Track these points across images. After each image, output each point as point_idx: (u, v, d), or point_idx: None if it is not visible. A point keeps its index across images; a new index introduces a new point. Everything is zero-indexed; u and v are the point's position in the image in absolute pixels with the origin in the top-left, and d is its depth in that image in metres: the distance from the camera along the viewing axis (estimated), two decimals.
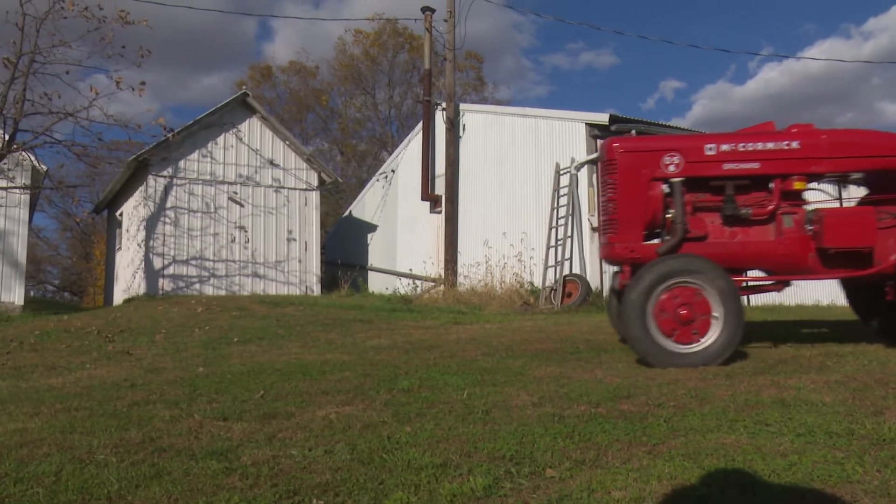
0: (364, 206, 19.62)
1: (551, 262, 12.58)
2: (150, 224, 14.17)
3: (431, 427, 3.26)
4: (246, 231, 15.07)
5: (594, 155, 10.62)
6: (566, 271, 12.29)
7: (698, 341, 4.71)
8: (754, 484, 2.36)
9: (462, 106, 16.14)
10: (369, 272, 18.25)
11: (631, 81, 66.19)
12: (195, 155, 14.76)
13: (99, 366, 6.37)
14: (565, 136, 13.11)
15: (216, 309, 10.67)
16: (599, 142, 5.14)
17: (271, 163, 15.56)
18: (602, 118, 12.34)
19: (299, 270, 15.53)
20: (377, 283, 17.61)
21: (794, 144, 5.14)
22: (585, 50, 63.52)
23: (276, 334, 8.16)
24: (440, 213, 15.62)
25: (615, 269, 5.50)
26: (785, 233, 5.12)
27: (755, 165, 5.14)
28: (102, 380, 5.36)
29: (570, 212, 12.53)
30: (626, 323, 4.75)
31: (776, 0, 65.46)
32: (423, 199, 16.12)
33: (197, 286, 14.41)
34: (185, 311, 10.47)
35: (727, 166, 5.15)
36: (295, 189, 15.75)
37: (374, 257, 18.58)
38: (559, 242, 12.59)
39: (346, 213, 21.29)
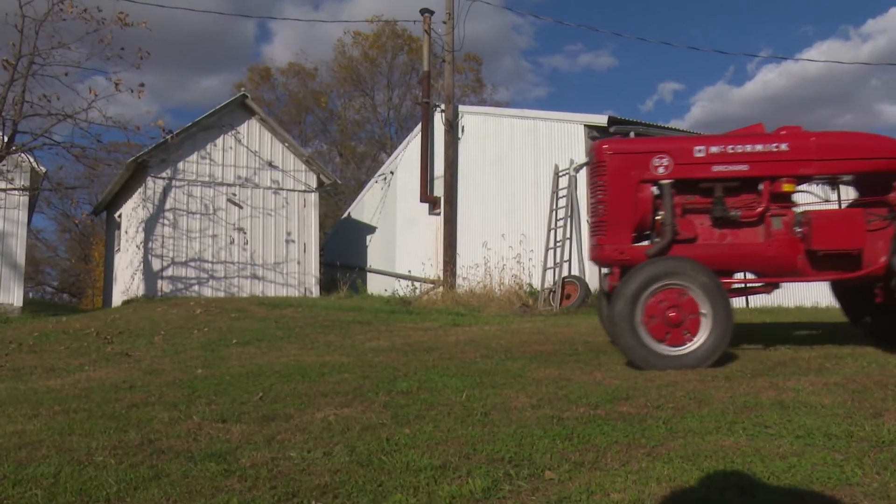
0: (363, 208, 19.63)
1: (550, 263, 12.59)
2: (149, 226, 14.16)
3: (430, 429, 3.26)
4: (245, 233, 15.06)
5: None
6: (565, 273, 12.29)
7: (691, 341, 4.72)
8: (753, 486, 2.36)
9: (461, 108, 16.15)
10: (368, 274, 18.25)
11: (630, 83, 66.31)
12: (194, 156, 14.76)
13: (98, 367, 6.36)
14: (564, 138, 13.12)
15: (215, 310, 10.66)
16: (589, 143, 5.17)
17: (270, 164, 15.56)
18: (601, 120, 12.36)
19: (298, 272, 15.52)
20: (376, 285, 17.60)
21: (783, 146, 5.16)
22: (584, 51, 63.64)
23: (275, 336, 8.15)
24: (439, 214, 15.62)
25: (605, 270, 5.50)
26: (774, 235, 5.13)
27: (744, 167, 5.15)
28: (101, 381, 5.35)
29: (569, 213, 12.54)
30: (618, 335, 4.76)
31: (775, 2, 65.64)
32: (421, 200, 16.13)
33: (196, 288, 14.39)
34: (184, 313, 10.46)
35: (716, 168, 5.16)
36: (294, 191, 15.75)
37: (373, 259, 18.58)
38: (558, 244, 12.59)
39: (345, 214, 21.29)
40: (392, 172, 18.29)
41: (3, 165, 12.61)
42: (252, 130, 15.52)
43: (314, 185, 16.00)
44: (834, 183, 5.52)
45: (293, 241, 15.58)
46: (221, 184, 14.98)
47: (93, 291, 32.34)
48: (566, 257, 12.44)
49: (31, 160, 13.60)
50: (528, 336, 7.42)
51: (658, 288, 4.70)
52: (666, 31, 67.82)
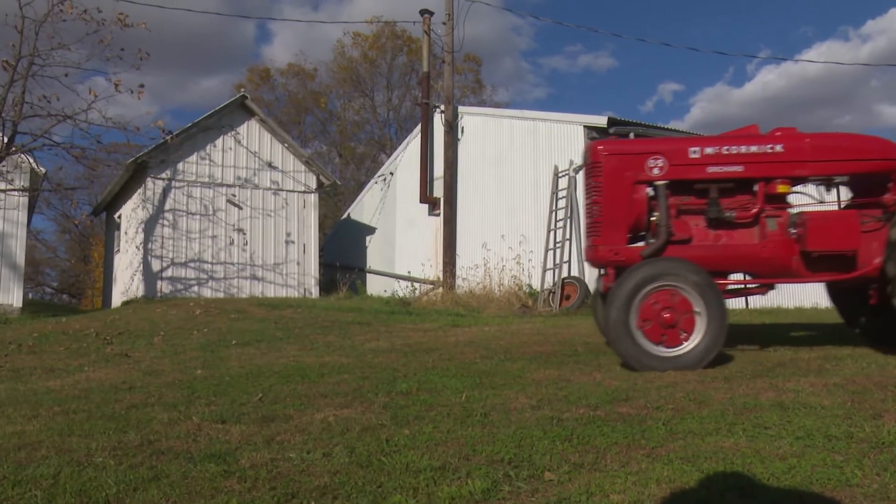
0: (362, 209, 19.63)
1: (550, 264, 12.59)
2: (149, 226, 14.16)
3: (430, 430, 3.26)
4: (244, 233, 15.06)
5: None
6: (565, 274, 12.29)
7: (688, 340, 4.72)
8: (753, 487, 2.36)
9: (460, 108, 16.16)
10: (368, 274, 18.25)
11: (629, 84, 66.34)
12: (194, 157, 14.76)
13: (97, 368, 6.36)
14: (564, 139, 13.13)
15: (214, 311, 10.66)
16: (584, 144, 5.18)
17: (270, 165, 15.56)
18: (600, 121, 12.36)
19: (298, 273, 15.52)
20: (376, 286, 17.60)
21: (778, 148, 5.16)
22: (584, 52, 63.68)
23: (275, 337, 8.15)
24: (438, 215, 15.63)
25: (601, 271, 5.50)
26: (769, 236, 5.13)
27: (739, 168, 5.16)
28: (101, 382, 5.35)
29: (569, 214, 12.55)
30: (614, 341, 4.77)
31: (774, 3, 65.68)
32: (421, 201, 16.13)
33: (195, 288, 14.39)
34: (184, 314, 10.46)
35: (711, 169, 5.17)
36: (293, 191, 15.75)
37: (373, 260, 18.58)
38: (558, 245, 12.60)
39: (345, 215, 21.29)
40: (391, 173, 18.30)
41: (3, 166, 12.61)
42: (252, 131, 15.52)
43: (314, 185, 16.01)
44: (829, 184, 5.52)
45: (293, 242, 15.58)
46: (221, 184, 14.98)
47: (92, 292, 32.34)
48: (566, 258, 12.44)
49: (31, 161, 13.61)
50: (527, 337, 7.42)
51: (650, 291, 4.70)
52: (665, 31, 67.92)
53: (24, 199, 13.89)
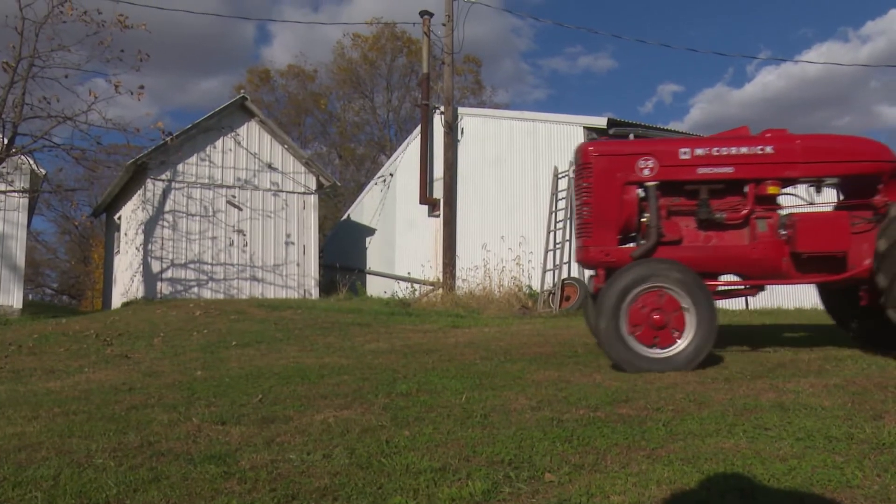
0: (362, 210, 19.63)
1: (549, 265, 12.58)
2: (149, 228, 14.16)
3: (430, 431, 3.26)
4: (244, 235, 15.06)
5: None
6: (564, 275, 12.28)
7: (681, 337, 4.72)
8: (753, 488, 2.36)
9: (460, 110, 16.16)
10: (368, 276, 18.25)
11: (629, 85, 66.34)
12: (194, 159, 14.77)
13: (97, 369, 6.36)
14: (564, 140, 13.13)
15: (214, 312, 10.66)
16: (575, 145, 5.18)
17: (270, 166, 15.56)
18: (600, 122, 12.37)
19: (297, 274, 15.53)
20: (375, 287, 17.60)
21: (768, 149, 5.17)
22: (583, 54, 63.70)
23: (275, 338, 8.15)
24: (438, 216, 15.63)
25: (591, 272, 5.51)
26: (759, 237, 5.14)
27: (729, 170, 5.17)
28: (101, 383, 5.35)
29: (569, 215, 12.53)
30: (609, 349, 4.77)
31: (774, 3, 65.72)
32: (421, 202, 16.13)
33: (195, 290, 14.39)
34: (184, 315, 10.46)
35: (701, 170, 5.18)
36: (293, 193, 15.75)
37: (373, 261, 18.58)
38: (557, 246, 12.59)
39: (345, 216, 21.30)
40: (391, 174, 18.30)
41: (3, 167, 12.63)
42: (251, 132, 15.53)
43: (313, 186, 16.01)
44: (819, 186, 5.53)
45: (292, 243, 15.58)
46: (221, 186, 14.99)
47: (92, 293, 32.34)
48: (566, 259, 12.43)
49: (31, 162, 13.62)
50: (527, 338, 7.42)
51: (636, 295, 4.71)
52: (665, 32, 67.97)
53: (25, 201, 13.90)
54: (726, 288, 5.45)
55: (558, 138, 13.29)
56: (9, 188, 13.01)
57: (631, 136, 11.93)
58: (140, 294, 13.91)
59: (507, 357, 5.86)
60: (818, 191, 5.59)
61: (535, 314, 11.29)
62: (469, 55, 34.04)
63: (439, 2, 15.70)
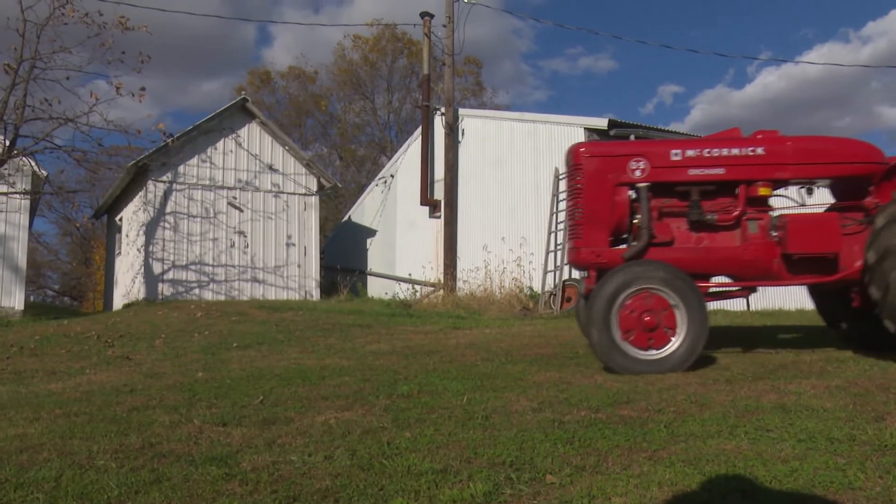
0: (363, 211, 19.64)
1: (550, 266, 12.58)
2: (150, 229, 14.18)
3: (431, 432, 3.25)
4: (245, 236, 15.07)
5: None
6: (565, 276, 12.28)
7: (675, 335, 4.73)
8: (755, 490, 2.36)
9: (461, 111, 16.16)
10: (368, 277, 18.25)
11: (630, 86, 66.33)
12: (195, 160, 14.78)
13: (99, 371, 6.36)
14: (564, 141, 13.10)
15: (215, 314, 10.66)
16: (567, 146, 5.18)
17: (270, 168, 15.58)
18: (601, 123, 12.37)
19: (298, 275, 15.53)
20: (376, 288, 17.60)
21: (759, 150, 5.18)
22: (584, 55, 63.70)
23: (276, 339, 8.15)
24: (439, 217, 15.63)
25: (583, 274, 5.51)
26: (750, 238, 5.14)
27: (720, 171, 5.17)
28: (102, 385, 5.35)
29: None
30: (605, 359, 4.77)
31: (774, 4, 65.72)
32: (422, 203, 16.13)
33: (196, 291, 14.40)
34: (185, 316, 10.47)
35: (693, 172, 5.18)
36: (294, 194, 15.76)
37: (374, 262, 18.58)
38: (558, 247, 12.58)
39: (346, 217, 21.30)
40: (392, 176, 18.31)
41: (5, 169, 12.65)
42: (252, 134, 15.54)
43: (314, 188, 16.02)
44: (810, 187, 5.54)
45: (293, 245, 15.58)
46: (222, 187, 15.00)
47: (94, 295, 32.36)
48: (566, 260, 12.42)
49: (33, 164, 13.63)
50: (528, 339, 7.42)
51: (623, 301, 4.72)
52: (666, 33, 67.95)
53: (26, 202, 13.91)
54: (718, 289, 5.45)
55: (559, 139, 13.28)
56: (10, 190, 13.03)
57: (632, 138, 11.93)
58: (141, 295, 13.92)
59: (508, 358, 5.86)
60: (809, 192, 5.60)
61: (536, 315, 11.28)
62: (470, 56, 34.08)
63: (440, 3, 15.72)
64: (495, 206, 14.73)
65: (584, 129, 12.64)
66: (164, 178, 14.41)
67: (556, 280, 12.15)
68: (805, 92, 57.42)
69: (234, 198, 15.10)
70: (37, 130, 12.67)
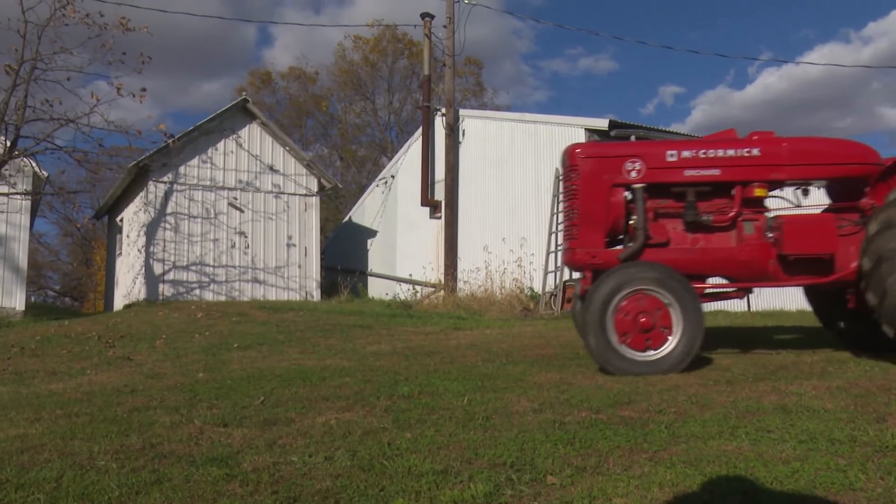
0: (364, 212, 19.64)
1: (551, 267, 12.58)
2: (151, 230, 14.18)
3: (432, 433, 3.25)
4: (246, 236, 15.07)
5: None
6: (566, 276, 12.28)
7: (671, 334, 4.73)
8: (756, 491, 2.36)
9: (461, 111, 16.17)
10: (369, 277, 18.25)
11: (630, 87, 66.33)
12: (195, 161, 14.79)
13: (99, 371, 6.36)
14: (565, 142, 13.03)
15: (216, 314, 10.66)
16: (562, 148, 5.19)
17: (271, 168, 15.58)
18: (601, 123, 12.37)
19: (299, 276, 15.53)
20: (377, 289, 17.60)
21: (755, 151, 5.18)
22: (585, 55, 63.70)
23: (276, 340, 8.15)
24: (440, 218, 15.63)
25: (571, 275, 5.52)
26: (746, 239, 5.14)
27: (716, 172, 5.18)
28: (103, 385, 5.35)
29: None
30: (605, 364, 4.76)
31: (775, 5, 65.70)
32: (422, 204, 16.14)
33: (197, 292, 14.40)
34: (186, 317, 10.47)
35: (688, 173, 5.19)
36: (295, 195, 15.77)
37: (374, 263, 18.59)
38: (559, 248, 12.58)
39: (346, 218, 21.31)
40: (393, 176, 18.32)
41: (6, 170, 12.66)
42: (253, 134, 15.55)
43: (315, 188, 16.02)
44: (806, 188, 5.54)
45: (294, 245, 15.59)
46: (223, 188, 15.01)
47: (94, 295, 32.36)
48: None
49: (34, 165, 13.64)
50: (529, 340, 7.42)
51: (617, 305, 4.72)
52: (666, 34, 67.86)
53: (27, 203, 13.92)
54: (714, 290, 5.45)
55: (559, 140, 13.28)
56: (11, 190, 13.04)
57: (633, 138, 11.93)
58: (142, 296, 13.92)
59: (508, 359, 5.86)
60: (805, 193, 5.61)
61: (537, 316, 11.28)
62: (470, 57, 34.09)
63: (440, 4, 15.73)
64: (496, 206, 14.74)
65: (585, 129, 12.64)
66: (165, 178, 14.41)
67: (557, 281, 12.14)
68: (806, 93, 57.43)
69: (235, 198, 15.10)
70: (38, 131, 12.70)
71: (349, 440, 3.20)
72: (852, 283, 5.00)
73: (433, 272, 15.91)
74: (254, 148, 15.50)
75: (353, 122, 35.55)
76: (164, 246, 14.23)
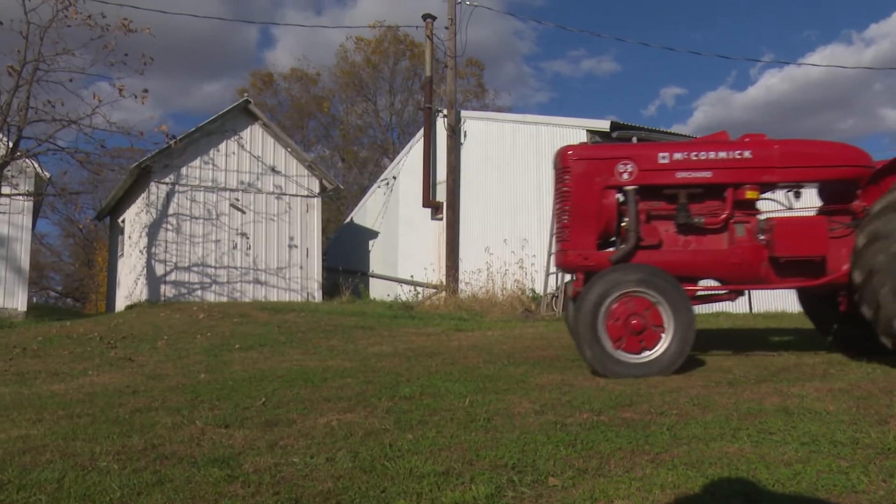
0: (365, 213, 19.65)
1: (553, 268, 12.57)
2: (153, 231, 14.20)
3: (433, 435, 3.25)
4: (247, 238, 15.09)
5: None
6: (567, 278, 12.27)
7: (664, 331, 4.73)
8: (758, 493, 2.35)
9: (463, 113, 16.18)
10: (371, 279, 18.26)
11: (632, 88, 66.34)
12: (197, 162, 14.81)
13: (101, 372, 6.37)
14: (566, 143, 13.11)
15: (218, 315, 10.67)
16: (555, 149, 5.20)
17: (273, 169, 15.60)
18: (603, 125, 12.36)
19: (301, 277, 15.54)
20: (378, 290, 17.61)
21: (747, 154, 5.18)
22: (586, 57, 63.73)
23: (278, 341, 8.16)
24: (441, 219, 15.64)
25: (570, 276, 5.52)
26: (737, 242, 5.14)
27: (708, 174, 5.18)
28: (105, 386, 5.36)
29: None
30: (604, 371, 4.76)
31: (777, 6, 65.67)
32: (424, 205, 16.14)
33: (199, 292, 14.41)
34: (187, 318, 10.48)
35: (680, 175, 5.19)
36: (296, 196, 15.78)
37: (376, 264, 18.59)
38: None
39: (348, 219, 21.32)
40: (394, 177, 18.33)
41: (8, 171, 12.67)
42: (255, 136, 15.56)
43: (317, 189, 16.03)
44: (798, 190, 5.54)
45: (296, 246, 15.60)
46: (224, 189, 15.02)
47: (96, 296, 32.40)
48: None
49: (36, 165, 13.67)
50: (530, 341, 7.41)
51: (606, 311, 4.72)
52: (668, 36, 67.90)
53: (29, 204, 13.95)
54: (705, 293, 5.45)
55: (561, 141, 13.21)
56: (13, 191, 13.06)
57: (634, 140, 11.91)
58: (143, 297, 13.93)
59: (510, 360, 5.85)
60: (797, 196, 5.60)
61: (539, 317, 11.28)
62: (472, 58, 34.15)
63: (442, 5, 15.79)
64: (497, 207, 14.74)
65: (587, 130, 12.64)
66: (167, 179, 14.43)
67: (559, 282, 12.14)
68: (807, 94, 57.38)
69: (237, 199, 15.12)
70: (40, 132, 12.72)
71: (351, 441, 3.20)
72: (844, 285, 5.00)
73: (434, 273, 15.91)
74: (255, 149, 15.51)
75: (355, 123, 35.60)
76: (166, 247, 14.24)
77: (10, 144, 12.36)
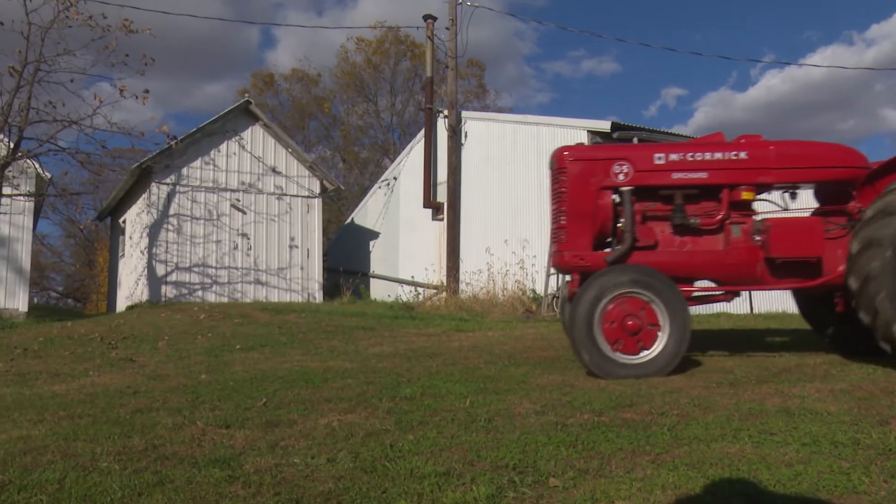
0: (366, 214, 19.66)
1: (553, 269, 12.57)
2: (153, 231, 14.21)
3: (434, 435, 3.25)
4: (248, 238, 15.09)
5: None
6: (568, 278, 12.27)
7: (661, 330, 4.74)
8: (759, 494, 2.35)
9: (464, 113, 16.19)
10: (371, 279, 18.26)
11: (633, 89, 66.31)
12: (198, 162, 14.81)
13: (102, 373, 6.37)
14: (567, 144, 13.12)
15: (218, 316, 10.67)
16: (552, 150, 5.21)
17: (274, 170, 15.60)
18: (604, 125, 12.37)
19: (301, 277, 15.55)
20: (379, 291, 17.61)
21: (742, 155, 5.19)
22: (587, 57, 63.70)
23: (279, 341, 8.16)
24: (442, 220, 15.64)
25: (567, 277, 5.51)
26: (733, 243, 5.14)
27: (703, 175, 5.18)
28: (106, 387, 5.36)
29: None
30: (604, 375, 4.75)
31: (778, 7, 65.66)
32: (424, 206, 16.15)
33: (199, 293, 14.42)
34: (188, 318, 10.48)
35: (676, 176, 5.19)
36: (297, 196, 15.79)
37: (376, 264, 18.60)
38: None
39: (349, 220, 21.33)
40: (395, 178, 18.33)
41: (9, 171, 12.68)
42: (256, 136, 15.57)
43: (317, 190, 16.04)
44: (794, 191, 5.54)
45: (296, 247, 15.60)
46: (225, 189, 15.03)
47: (97, 297, 32.41)
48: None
49: (37, 166, 13.68)
50: (531, 342, 7.41)
51: (601, 315, 4.73)
52: (669, 36, 67.88)
53: (30, 204, 13.96)
54: (701, 294, 5.45)
55: (562, 142, 13.20)
56: (14, 192, 13.07)
57: (635, 141, 11.92)
58: (144, 297, 13.94)
59: (511, 361, 5.85)
60: (793, 196, 5.61)
61: (539, 318, 11.27)
62: (472, 59, 34.15)
63: (443, 6, 15.76)
64: (498, 208, 14.74)
65: (588, 131, 12.64)
66: (168, 180, 14.44)
67: (559, 282, 12.13)
68: (809, 95, 57.34)
69: (238, 200, 15.13)
70: (41, 133, 12.72)
71: (351, 442, 3.20)
72: (840, 286, 5.00)
73: (435, 274, 15.91)
74: (256, 149, 15.52)
75: (356, 123, 35.61)
76: (167, 247, 14.25)
77: (12, 145, 12.37)
